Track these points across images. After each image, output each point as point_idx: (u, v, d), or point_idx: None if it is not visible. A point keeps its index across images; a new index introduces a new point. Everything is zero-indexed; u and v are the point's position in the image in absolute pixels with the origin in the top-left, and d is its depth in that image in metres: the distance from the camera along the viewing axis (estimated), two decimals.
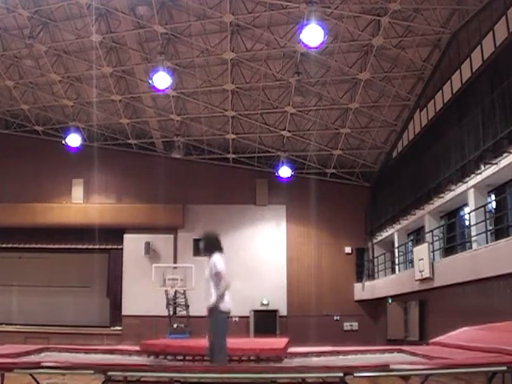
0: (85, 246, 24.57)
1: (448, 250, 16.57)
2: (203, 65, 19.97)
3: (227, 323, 6.77)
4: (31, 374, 5.86)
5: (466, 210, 15.60)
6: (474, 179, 14.37)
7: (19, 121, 24.93)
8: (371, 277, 23.86)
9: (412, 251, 18.34)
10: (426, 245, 16.57)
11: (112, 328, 24.03)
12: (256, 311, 23.48)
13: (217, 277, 6.81)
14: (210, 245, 7.22)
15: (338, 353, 7.41)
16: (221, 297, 6.73)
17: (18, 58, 20.27)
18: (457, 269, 14.26)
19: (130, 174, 25.16)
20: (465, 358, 5.58)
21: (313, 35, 15.10)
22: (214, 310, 6.72)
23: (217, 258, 6.96)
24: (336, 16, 16.77)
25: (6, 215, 23.61)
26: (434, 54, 17.87)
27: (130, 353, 7.59)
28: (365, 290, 23.71)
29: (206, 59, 19.62)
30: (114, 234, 24.26)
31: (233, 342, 9.36)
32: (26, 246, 24.80)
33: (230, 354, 7.02)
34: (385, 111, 20.92)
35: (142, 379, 6.55)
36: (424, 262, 16.30)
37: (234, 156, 24.71)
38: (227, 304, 6.81)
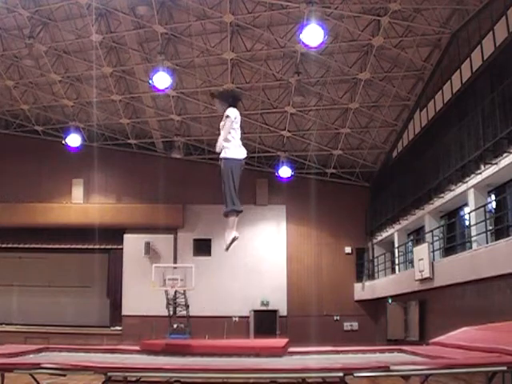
0: (85, 246, 24.57)
1: (448, 250, 16.57)
2: (203, 65, 19.97)
3: (235, 168, 6.55)
4: (31, 374, 5.85)
5: (466, 209, 15.60)
6: (474, 179, 14.37)
7: (19, 121, 24.93)
8: (371, 277, 23.86)
9: (412, 251, 18.35)
10: (425, 245, 16.57)
11: (112, 328, 24.04)
12: (256, 311, 23.49)
13: (224, 121, 6.60)
14: (225, 97, 6.90)
15: (338, 353, 7.40)
16: (226, 141, 6.54)
17: (17, 58, 20.27)
18: (457, 269, 14.26)
19: (130, 174, 25.16)
20: (465, 358, 5.58)
21: (313, 35, 15.12)
22: (222, 159, 6.57)
23: (230, 109, 6.70)
24: (336, 16, 16.77)
25: (6, 215, 23.61)
26: (434, 54, 17.87)
27: (130, 352, 7.59)
28: (365, 290, 23.72)
29: (206, 59, 19.62)
30: (114, 234, 24.26)
31: (232, 342, 9.36)
32: (26, 246, 24.80)
33: (230, 353, 7.02)
34: (385, 111, 20.92)
35: (142, 379, 6.55)
36: (424, 262, 16.30)
37: None
38: (236, 152, 6.58)
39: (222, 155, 6.62)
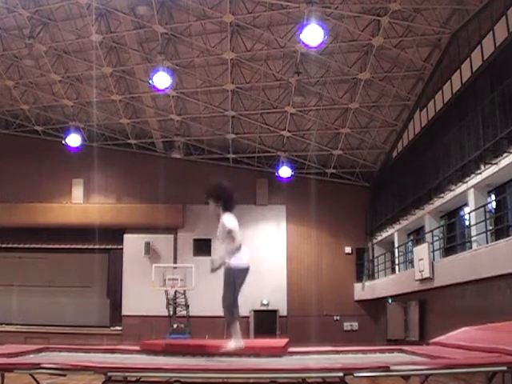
0: (85, 246, 24.58)
1: (448, 250, 16.57)
2: (203, 65, 19.97)
3: (238, 278, 6.35)
4: (31, 374, 5.85)
5: (466, 209, 15.60)
6: (474, 179, 14.37)
7: (19, 121, 24.93)
8: (371, 277, 23.86)
9: (412, 251, 18.34)
10: (425, 245, 16.57)
11: (112, 328, 24.05)
12: (256, 311, 23.47)
13: (229, 236, 6.36)
14: (220, 197, 6.55)
15: (338, 353, 7.40)
16: (232, 253, 6.29)
17: (17, 58, 20.27)
18: (457, 269, 14.26)
19: (130, 174, 25.17)
20: (465, 358, 5.57)
21: (313, 35, 15.12)
22: (226, 268, 6.35)
23: (227, 217, 6.50)
24: (336, 16, 16.77)
25: (6, 215, 23.61)
26: (434, 54, 17.87)
27: (130, 352, 7.58)
28: (365, 290, 23.72)
29: (206, 59, 19.62)
30: (114, 234, 24.27)
31: None
32: (26, 246, 24.80)
33: (230, 353, 7.00)
34: (385, 111, 20.92)
35: (142, 379, 6.55)
36: (424, 262, 16.30)
37: (233, 156, 24.71)
38: (241, 260, 6.34)
39: (226, 263, 6.37)
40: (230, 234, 6.37)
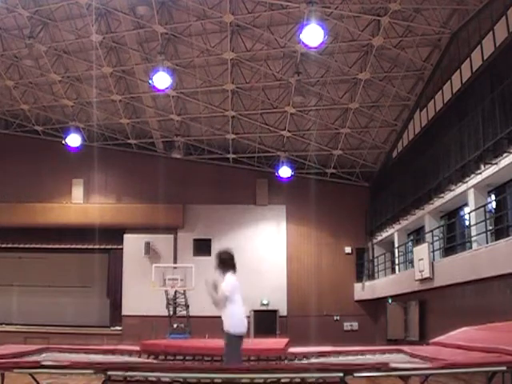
0: (85, 246, 24.57)
1: (448, 250, 16.56)
2: (203, 65, 19.97)
3: (238, 346, 6.73)
4: (31, 374, 5.86)
5: (466, 209, 15.60)
6: (474, 179, 14.36)
7: (19, 121, 24.93)
8: (371, 277, 23.87)
9: (412, 251, 18.34)
10: (425, 245, 16.57)
11: (112, 328, 24.05)
12: (256, 311, 23.46)
13: (222, 297, 6.91)
14: (223, 264, 7.28)
15: (338, 353, 7.41)
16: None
17: (17, 58, 20.26)
18: (457, 269, 14.25)
19: (130, 174, 25.17)
20: (465, 358, 5.58)
21: (313, 35, 15.09)
22: (225, 334, 6.81)
23: (228, 278, 7.02)
24: (336, 16, 16.77)
25: (6, 215, 23.62)
26: (434, 54, 17.87)
27: (129, 353, 7.59)
28: (365, 290, 23.72)
29: (206, 59, 19.62)
30: (114, 234, 24.26)
31: None
32: (26, 246, 24.80)
33: None
34: (385, 111, 20.92)
35: (142, 379, 6.55)
36: (424, 262, 16.30)
37: (234, 156, 24.71)
38: (239, 327, 6.80)
39: (225, 328, 6.84)
40: (222, 294, 6.87)
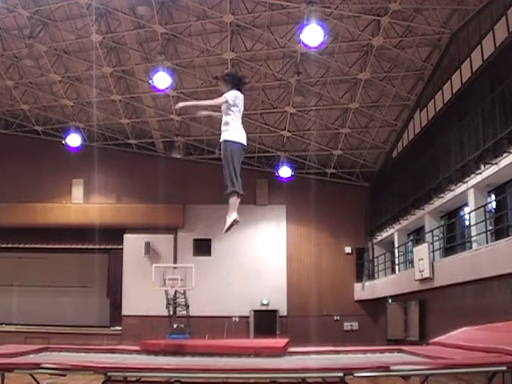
0: (85, 246, 24.57)
1: (448, 250, 16.57)
2: (203, 65, 19.97)
3: (235, 153, 6.45)
4: (31, 374, 5.86)
5: (466, 209, 15.60)
6: (474, 179, 14.37)
7: (19, 121, 24.93)
8: (371, 277, 23.86)
9: (412, 251, 18.34)
10: (425, 245, 16.57)
11: (112, 328, 24.04)
12: (256, 311, 23.49)
13: (228, 109, 6.48)
14: (226, 81, 6.66)
15: (338, 353, 7.40)
16: (225, 124, 6.45)
17: (17, 58, 20.27)
18: (457, 269, 14.25)
19: (130, 174, 25.16)
20: (465, 358, 5.58)
21: (313, 35, 15.12)
22: (222, 142, 6.51)
23: (231, 92, 6.56)
24: (336, 16, 16.77)
25: (6, 215, 23.61)
26: (434, 54, 17.88)
27: (130, 352, 7.59)
28: (365, 290, 23.71)
29: (206, 59, 19.63)
30: (114, 233, 24.25)
31: (232, 342, 9.37)
32: (26, 246, 24.79)
33: (230, 353, 7.01)
34: (385, 111, 20.92)
35: (142, 379, 6.55)
36: (424, 262, 16.30)
37: None
38: (238, 136, 6.46)
39: (222, 138, 6.55)
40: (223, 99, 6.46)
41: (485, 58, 14.44)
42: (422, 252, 16.72)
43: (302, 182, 24.07)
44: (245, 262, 24.03)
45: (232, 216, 6.57)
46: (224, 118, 6.55)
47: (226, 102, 6.45)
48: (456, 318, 13.40)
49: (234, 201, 6.59)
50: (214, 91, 21.07)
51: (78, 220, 23.99)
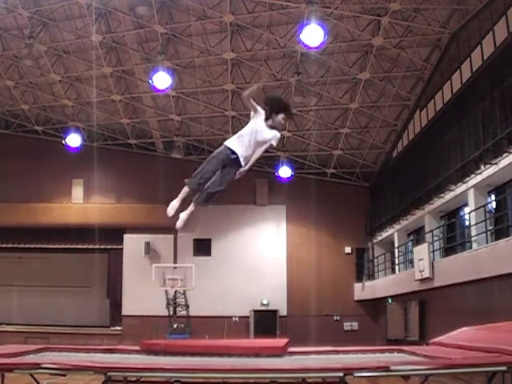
0: (85, 246, 24.57)
1: (448, 250, 16.57)
2: (203, 65, 19.97)
3: (217, 153, 6.32)
4: (31, 374, 5.86)
5: (466, 210, 15.60)
6: (474, 179, 14.37)
7: (19, 121, 24.92)
8: (371, 277, 23.86)
9: (412, 251, 18.34)
10: (425, 245, 16.57)
11: (112, 328, 24.04)
12: (256, 311, 23.48)
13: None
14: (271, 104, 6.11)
15: (338, 353, 7.40)
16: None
17: (17, 58, 20.26)
18: (457, 269, 14.26)
19: (130, 174, 25.13)
20: (465, 358, 5.58)
21: (313, 35, 15.12)
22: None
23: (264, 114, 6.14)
24: (336, 16, 16.77)
25: (6, 215, 23.58)
26: (434, 54, 17.87)
27: (130, 352, 7.59)
28: (365, 290, 23.71)
29: (205, 59, 19.62)
30: (114, 233, 24.24)
31: (232, 342, 9.37)
32: (26, 246, 24.78)
33: (230, 353, 7.02)
34: (385, 111, 20.92)
35: (142, 379, 6.55)
36: (424, 262, 16.30)
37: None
38: (231, 140, 6.27)
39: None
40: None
41: (485, 58, 14.44)
42: (421, 252, 16.71)
43: (302, 182, 24.06)
44: (245, 262, 24.01)
45: (172, 204, 6.33)
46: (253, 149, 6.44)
47: (257, 112, 6.07)
48: (456, 318, 13.40)
49: (183, 191, 6.42)
50: (214, 91, 21.13)
51: (78, 220, 23.96)
